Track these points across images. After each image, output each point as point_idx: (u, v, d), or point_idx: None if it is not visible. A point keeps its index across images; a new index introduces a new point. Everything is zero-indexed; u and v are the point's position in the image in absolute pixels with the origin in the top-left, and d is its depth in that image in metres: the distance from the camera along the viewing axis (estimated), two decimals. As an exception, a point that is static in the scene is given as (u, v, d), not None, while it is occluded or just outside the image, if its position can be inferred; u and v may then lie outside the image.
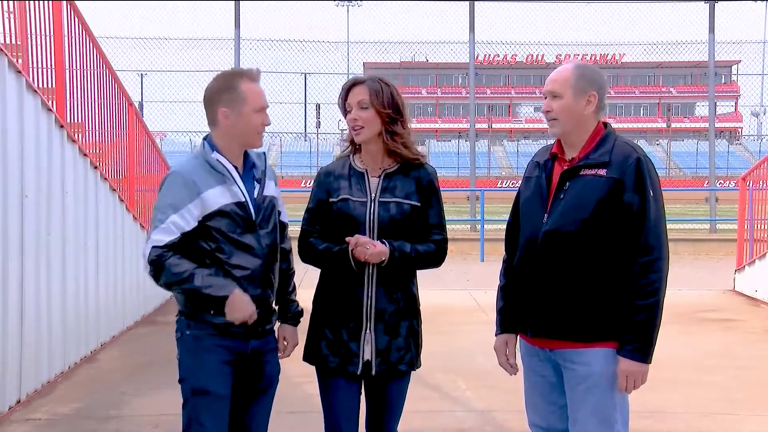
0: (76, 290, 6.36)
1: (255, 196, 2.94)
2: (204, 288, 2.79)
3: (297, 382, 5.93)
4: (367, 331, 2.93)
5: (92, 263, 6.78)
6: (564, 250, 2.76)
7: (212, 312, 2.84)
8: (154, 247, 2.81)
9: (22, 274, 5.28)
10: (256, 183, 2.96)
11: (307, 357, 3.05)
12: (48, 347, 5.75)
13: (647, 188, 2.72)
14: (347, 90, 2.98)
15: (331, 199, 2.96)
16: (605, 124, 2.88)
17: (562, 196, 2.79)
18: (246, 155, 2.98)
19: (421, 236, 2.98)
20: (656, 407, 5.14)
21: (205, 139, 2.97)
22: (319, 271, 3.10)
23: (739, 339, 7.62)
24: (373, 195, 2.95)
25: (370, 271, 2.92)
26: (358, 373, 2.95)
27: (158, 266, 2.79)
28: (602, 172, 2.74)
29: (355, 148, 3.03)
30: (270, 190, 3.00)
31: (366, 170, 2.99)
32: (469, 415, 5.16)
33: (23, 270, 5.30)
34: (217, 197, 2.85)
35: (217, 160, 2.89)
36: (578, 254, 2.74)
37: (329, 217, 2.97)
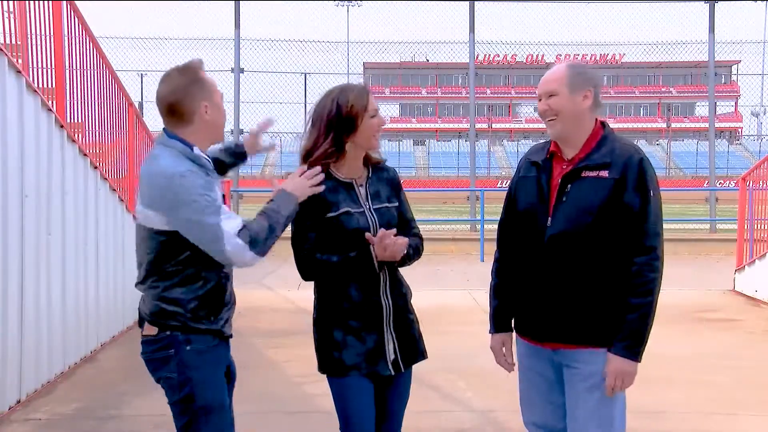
0: (76, 290, 6.36)
1: None
2: (283, 215, 2.73)
3: (296, 382, 5.94)
4: (388, 331, 2.94)
5: (92, 263, 6.78)
6: (570, 254, 2.75)
7: (212, 318, 2.76)
8: (238, 233, 2.63)
9: (22, 274, 5.28)
10: None
11: (331, 369, 2.93)
12: (48, 347, 5.75)
13: (649, 188, 2.71)
14: (369, 95, 2.93)
15: (329, 214, 2.88)
16: (603, 124, 2.87)
17: (564, 198, 2.77)
18: None
19: (402, 233, 2.99)
20: (656, 407, 5.14)
21: (172, 137, 2.73)
22: None
23: (739, 339, 7.61)
24: (366, 204, 2.94)
25: (385, 273, 2.93)
26: (393, 374, 2.94)
27: (256, 241, 2.65)
28: (604, 173, 2.72)
29: (336, 158, 2.93)
30: None
31: (354, 180, 2.96)
32: (469, 415, 5.15)
33: (23, 270, 5.30)
34: (219, 194, 2.77)
35: (204, 158, 2.75)
36: (584, 257, 2.73)
37: (328, 232, 2.89)
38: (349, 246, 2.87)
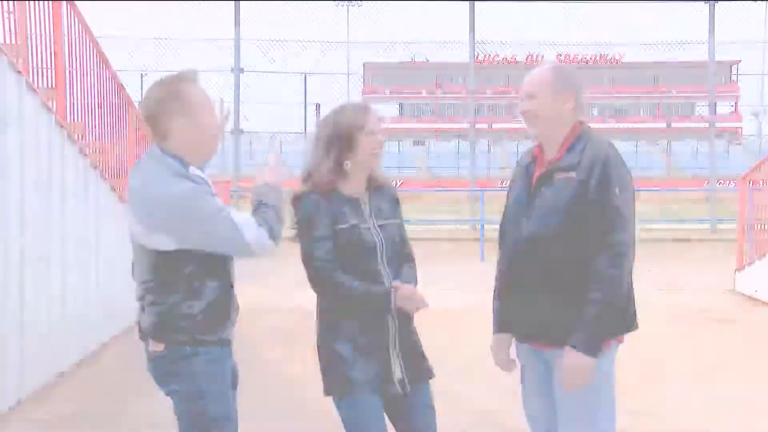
0: (76, 290, 6.36)
1: None
2: (277, 209, 2.70)
3: (296, 383, 5.94)
4: (394, 350, 2.93)
5: (92, 263, 6.78)
6: (542, 255, 2.77)
7: (219, 328, 2.73)
8: (263, 233, 2.63)
9: (22, 274, 5.28)
10: None
11: (342, 389, 2.91)
12: (48, 347, 5.75)
13: (612, 186, 2.71)
14: (366, 113, 2.92)
15: (339, 226, 2.87)
16: (582, 123, 2.88)
17: (537, 200, 2.81)
18: None
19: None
20: (656, 407, 5.14)
21: (167, 154, 2.63)
22: None
23: (739, 339, 7.61)
24: (371, 220, 2.93)
25: (393, 294, 2.92)
26: (401, 392, 2.94)
27: (271, 227, 2.64)
28: (572, 174, 2.75)
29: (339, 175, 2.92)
30: None
31: (359, 197, 2.95)
32: (469, 415, 5.15)
33: (23, 270, 5.30)
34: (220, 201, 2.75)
35: (199, 176, 2.66)
36: (555, 258, 2.75)
37: (339, 243, 2.87)
38: (357, 262, 2.86)
